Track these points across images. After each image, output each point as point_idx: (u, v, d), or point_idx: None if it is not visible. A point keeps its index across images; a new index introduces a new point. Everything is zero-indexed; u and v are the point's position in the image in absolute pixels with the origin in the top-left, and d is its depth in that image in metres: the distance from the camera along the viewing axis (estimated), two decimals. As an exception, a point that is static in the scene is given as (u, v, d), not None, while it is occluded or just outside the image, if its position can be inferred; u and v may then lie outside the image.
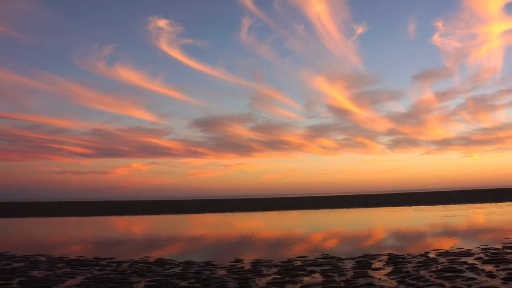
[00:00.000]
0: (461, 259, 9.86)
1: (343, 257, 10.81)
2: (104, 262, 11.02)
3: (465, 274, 8.00)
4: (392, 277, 7.92)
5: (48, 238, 18.78)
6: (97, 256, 12.39)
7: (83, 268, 10.17)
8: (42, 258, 12.16)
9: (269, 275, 8.59)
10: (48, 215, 45.25)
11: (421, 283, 7.25)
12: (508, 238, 13.68)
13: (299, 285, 7.54)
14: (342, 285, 7.32)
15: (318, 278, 8.13)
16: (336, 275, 8.34)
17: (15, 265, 10.98)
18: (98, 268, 10.10)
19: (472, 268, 8.57)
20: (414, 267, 8.94)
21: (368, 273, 8.34)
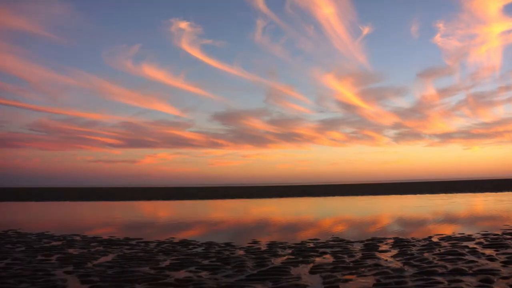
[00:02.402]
0: (462, 243, 9.73)
1: (352, 240, 10.76)
2: (133, 242, 11.16)
3: (466, 257, 7.89)
4: (397, 259, 7.85)
5: (82, 220, 19.08)
6: (127, 236, 12.54)
7: (115, 247, 10.30)
8: (78, 238, 12.36)
9: (284, 255, 8.59)
10: (82, 199, 45.98)
11: (425, 265, 7.17)
12: (507, 225, 13.45)
13: (312, 265, 7.53)
14: (351, 265, 7.28)
15: (329, 258, 8.10)
16: (345, 256, 8.31)
17: (54, 243, 11.19)
18: (128, 247, 10.23)
19: (473, 251, 8.45)
20: (418, 250, 8.85)
21: (375, 255, 8.29)
